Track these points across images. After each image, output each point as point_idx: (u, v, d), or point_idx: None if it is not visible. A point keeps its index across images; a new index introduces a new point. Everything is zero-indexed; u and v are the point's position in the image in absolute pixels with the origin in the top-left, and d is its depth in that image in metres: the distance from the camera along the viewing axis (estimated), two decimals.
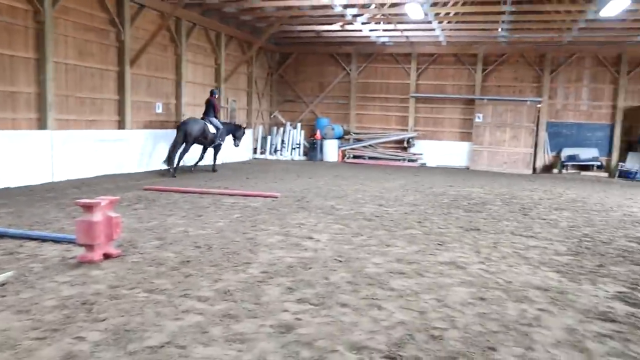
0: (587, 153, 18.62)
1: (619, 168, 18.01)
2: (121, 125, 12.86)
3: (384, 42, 19.63)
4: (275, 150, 20.47)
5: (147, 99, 13.85)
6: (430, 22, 15.65)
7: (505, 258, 5.84)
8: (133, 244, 5.80)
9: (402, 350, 3.28)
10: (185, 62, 15.18)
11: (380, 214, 8.39)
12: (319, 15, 15.78)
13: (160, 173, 13.06)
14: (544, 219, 8.59)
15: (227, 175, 13.22)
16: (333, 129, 20.28)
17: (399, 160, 19.93)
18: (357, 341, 3.40)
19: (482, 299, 4.37)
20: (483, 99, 19.43)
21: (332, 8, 14.41)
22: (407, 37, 18.55)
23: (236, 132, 14.74)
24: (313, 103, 21.59)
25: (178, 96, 15.06)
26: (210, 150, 14.23)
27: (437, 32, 17.13)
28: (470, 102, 19.80)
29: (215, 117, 13.87)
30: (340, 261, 5.39)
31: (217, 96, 14.30)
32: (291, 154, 20.38)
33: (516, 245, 6.51)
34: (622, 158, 18.32)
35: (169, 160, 12.71)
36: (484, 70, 19.71)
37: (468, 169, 19.39)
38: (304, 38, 19.72)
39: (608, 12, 12.99)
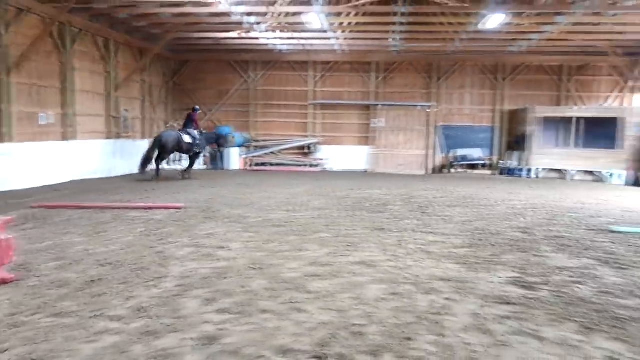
0: (473, 153, 20.29)
1: (501, 166, 19.86)
2: (1, 138, 11.74)
3: (281, 50, 19.88)
4: (175, 161, 19.83)
5: (30, 109, 12.78)
6: (326, 32, 16.14)
7: (410, 254, 6.22)
8: (27, 267, 5.36)
9: (326, 349, 3.40)
10: (73, 70, 14.24)
11: (289, 219, 8.50)
12: (217, 22, 15.61)
13: (141, 179, 14.15)
14: (440, 216, 9.24)
15: (126, 188, 12.59)
16: (234, 137, 20.13)
17: (302, 166, 20.26)
18: (282, 345, 3.46)
19: (394, 293, 4.63)
20: (378, 104, 20.40)
21: (230, 16, 14.35)
22: (304, 45, 18.95)
23: (219, 140, 16.52)
24: (212, 111, 21.26)
25: (66, 106, 14.07)
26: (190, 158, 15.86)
27: (333, 41, 17.70)
28: (367, 107, 20.69)
29: (196, 129, 15.52)
30: (255, 269, 5.41)
31: (198, 113, 16.20)
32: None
33: (418, 242, 6.95)
34: (504, 157, 20.21)
35: (143, 167, 14.13)
36: (378, 77, 20.71)
37: (367, 171, 20.20)
38: (201, 45, 19.39)
39: (487, 25, 14.31)
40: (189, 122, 15.61)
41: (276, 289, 4.72)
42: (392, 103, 20.48)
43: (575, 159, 18.22)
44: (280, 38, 17.72)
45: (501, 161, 20.06)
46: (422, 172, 19.97)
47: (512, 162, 19.57)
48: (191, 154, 15.48)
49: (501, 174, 19.63)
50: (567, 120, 18.61)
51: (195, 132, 15.36)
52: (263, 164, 20.22)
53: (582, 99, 20.20)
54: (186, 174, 15.55)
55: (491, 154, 20.54)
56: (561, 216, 9.60)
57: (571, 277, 5.37)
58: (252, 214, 9.04)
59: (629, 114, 17.82)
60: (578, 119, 18.20)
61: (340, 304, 4.32)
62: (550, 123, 18.93)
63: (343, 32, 16.83)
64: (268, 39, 17.67)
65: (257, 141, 20.94)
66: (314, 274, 5.22)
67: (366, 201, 11.08)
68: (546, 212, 10.13)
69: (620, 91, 20.09)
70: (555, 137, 19.23)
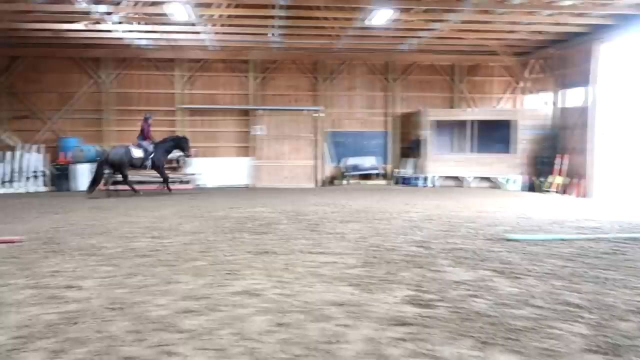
0: (366, 162, 21.26)
1: (396, 175, 21.02)
2: None
3: (141, 46, 19.38)
4: (4, 182, 18.39)
5: None
6: (195, 25, 16.06)
7: (299, 278, 6.40)
8: None
9: None
10: None
11: (156, 247, 8.31)
12: (56, 11, 14.84)
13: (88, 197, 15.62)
14: (332, 233, 9.59)
15: None
16: (82, 150, 19.15)
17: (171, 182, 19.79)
18: None
19: (281, 324, 4.75)
20: (259, 109, 20.62)
21: (74, 4, 13.73)
22: (169, 40, 18.65)
23: (181, 143, 17.12)
24: (54, 119, 20.06)
25: None
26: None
27: (204, 36, 17.64)
28: (247, 113, 20.82)
29: (147, 139, 16.56)
30: (115, 309, 5.24)
31: (150, 121, 17.00)
32: (28, 185, 18.52)
33: (308, 264, 7.17)
34: (398, 164, 21.42)
35: (91, 186, 15.95)
36: (257, 78, 20.96)
37: (249, 187, 20.28)
38: (37, 38, 18.27)
39: (374, 21, 15.19)
40: (142, 132, 16.67)
41: (141, 330, 4.61)
42: (275, 107, 20.83)
43: (472, 164, 19.86)
44: (139, 31, 17.28)
45: (396, 170, 21.22)
46: (312, 185, 20.50)
47: (408, 170, 20.81)
48: (147, 168, 16.86)
49: (397, 183, 20.77)
50: (461, 124, 20.22)
51: (147, 144, 16.49)
52: (122, 182, 19.42)
53: (476, 100, 22.12)
54: (166, 188, 17.13)
55: (385, 162, 21.66)
56: (459, 227, 10.43)
57: (468, 290, 5.88)
58: (110, 243, 8.69)
59: (521, 116, 19.82)
60: (472, 122, 19.84)
61: (219, 342, 4.34)
62: (445, 127, 20.46)
63: (214, 25, 16.86)
64: (123, 32, 17.14)
65: None
66: (188, 310, 5.18)
67: (248, 221, 11.15)
68: (443, 223, 10.93)
69: (513, 92, 22.32)
70: (450, 142, 20.81)
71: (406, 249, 8.23)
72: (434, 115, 20.17)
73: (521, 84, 21.84)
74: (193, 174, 20.20)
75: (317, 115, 20.90)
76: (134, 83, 20.52)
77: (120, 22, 15.96)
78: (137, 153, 16.14)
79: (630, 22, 15.05)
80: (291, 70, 21.37)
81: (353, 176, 21.09)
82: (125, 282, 6.28)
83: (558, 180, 17.98)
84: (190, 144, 17.63)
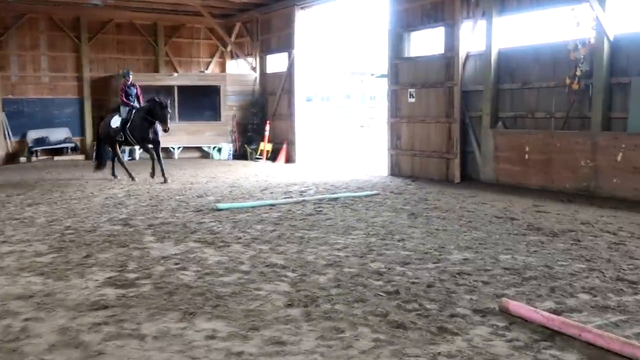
0: (57, 134, 19.85)
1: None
2: None
3: None
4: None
5: None
6: None
7: None
8: None
9: None
10: None
11: None
12: None
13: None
14: (17, 219, 8.86)
15: None
16: None
17: None
18: None
19: None
20: None
21: None
22: None
23: (156, 110, 13.24)
24: None
25: None
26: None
27: None
28: None
29: (126, 104, 13.89)
30: None
31: (128, 80, 14.35)
32: None
33: None
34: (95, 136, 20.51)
35: (97, 165, 14.59)
36: None
37: None
38: None
39: None
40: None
41: None
42: None
43: (179, 133, 20.05)
44: None
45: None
46: None
47: None
48: (117, 140, 14.06)
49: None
50: (167, 90, 20.21)
51: (125, 111, 13.86)
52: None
53: (182, 64, 22.30)
54: (152, 172, 13.87)
55: (82, 134, 20.51)
56: (167, 200, 10.59)
57: (176, 264, 6.09)
58: None
59: (228, 81, 20.67)
60: (177, 88, 19.96)
61: None
62: (149, 93, 20.19)
63: None
64: None
65: None
66: None
67: None
68: (150, 197, 10.98)
69: (221, 56, 23.09)
70: None
71: (108, 228, 8.08)
72: (135, 80, 19.69)
73: (228, 48, 22.69)
74: None
75: None
76: None
77: None
78: (115, 122, 13.94)
79: None
80: None
81: (42, 151, 19.50)
82: None
83: (267, 147, 19.34)
84: (168, 112, 13.68)
